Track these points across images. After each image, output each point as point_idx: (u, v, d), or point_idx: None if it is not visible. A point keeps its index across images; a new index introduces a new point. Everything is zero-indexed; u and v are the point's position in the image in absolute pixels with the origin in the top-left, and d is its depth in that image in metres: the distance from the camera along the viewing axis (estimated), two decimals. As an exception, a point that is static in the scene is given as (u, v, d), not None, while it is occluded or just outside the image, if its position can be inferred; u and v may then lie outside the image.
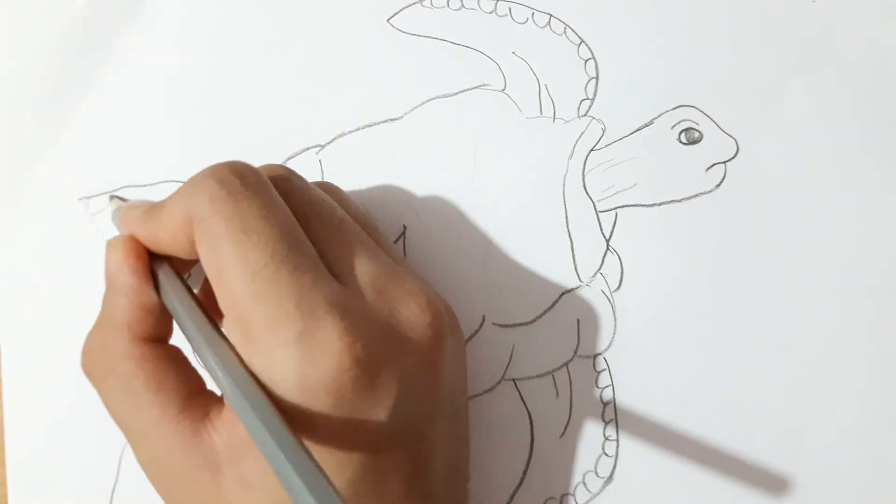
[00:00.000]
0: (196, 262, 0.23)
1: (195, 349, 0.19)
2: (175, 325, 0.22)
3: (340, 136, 0.28)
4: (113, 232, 0.24)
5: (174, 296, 0.20)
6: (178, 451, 0.19)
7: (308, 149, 0.28)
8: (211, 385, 0.21)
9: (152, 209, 0.21)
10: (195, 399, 0.20)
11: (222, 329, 0.20)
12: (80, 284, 0.28)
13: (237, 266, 0.19)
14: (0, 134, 0.29)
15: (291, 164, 0.28)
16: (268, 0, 0.29)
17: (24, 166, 0.29)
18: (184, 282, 0.21)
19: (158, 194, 0.28)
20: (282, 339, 0.18)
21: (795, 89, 0.28)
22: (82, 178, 0.29)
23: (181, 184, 0.28)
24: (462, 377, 0.24)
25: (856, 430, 0.26)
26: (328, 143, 0.28)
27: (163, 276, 0.21)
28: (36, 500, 0.27)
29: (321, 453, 0.19)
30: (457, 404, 0.23)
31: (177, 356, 0.21)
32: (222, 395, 0.18)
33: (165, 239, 0.21)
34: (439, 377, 0.22)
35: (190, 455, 0.19)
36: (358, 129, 0.28)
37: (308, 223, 0.21)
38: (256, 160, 0.28)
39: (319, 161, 0.28)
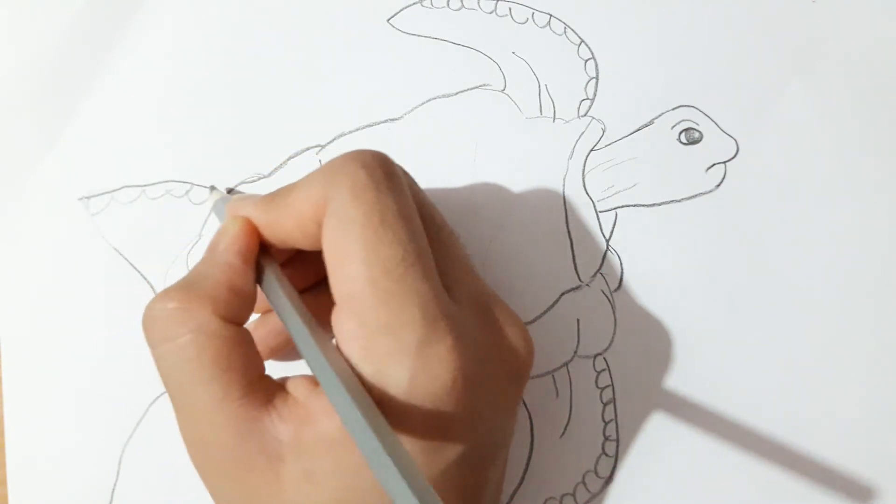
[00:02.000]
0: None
1: (297, 341, 0.19)
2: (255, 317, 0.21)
3: (340, 136, 0.28)
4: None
5: (279, 287, 0.20)
6: (236, 434, 0.19)
7: (308, 149, 0.28)
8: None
9: (277, 193, 0.21)
10: (258, 385, 0.19)
11: (333, 318, 0.19)
12: (80, 284, 0.28)
13: (368, 258, 0.18)
14: (0, 134, 0.29)
15: (292, 164, 0.28)
16: (268, 0, 0.29)
17: (24, 166, 0.29)
18: (287, 278, 0.21)
19: (158, 194, 0.28)
20: (402, 345, 0.18)
21: (795, 89, 0.28)
22: (82, 178, 0.29)
23: (180, 184, 0.29)
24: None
25: (857, 428, 0.26)
26: (328, 143, 0.28)
27: (268, 269, 0.21)
28: (36, 500, 0.27)
29: None
30: (513, 431, 0.23)
31: (246, 339, 0.20)
32: (323, 390, 0.18)
33: (288, 222, 0.20)
34: (518, 405, 0.22)
35: (248, 441, 0.19)
36: (358, 129, 0.28)
37: (425, 230, 0.21)
38: (256, 160, 0.28)
39: (319, 161, 0.28)
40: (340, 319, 0.19)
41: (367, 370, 0.18)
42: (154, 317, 0.20)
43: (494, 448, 0.21)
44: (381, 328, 0.18)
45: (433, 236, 0.21)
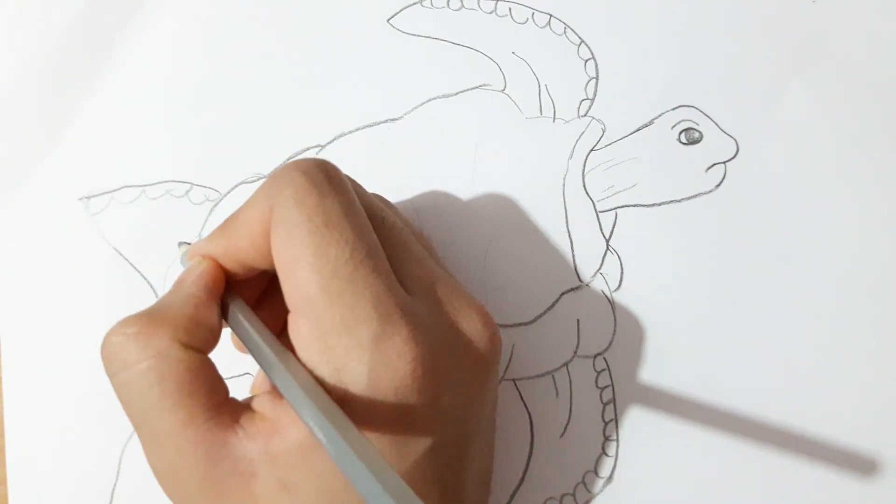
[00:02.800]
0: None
1: (268, 371, 0.19)
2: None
3: (340, 136, 0.28)
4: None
5: (244, 320, 0.20)
6: (204, 457, 0.19)
7: (308, 149, 0.28)
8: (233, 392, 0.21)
9: (227, 218, 0.21)
10: (223, 407, 0.20)
11: (290, 324, 0.20)
12: (80, 284, 0.28)
13: (316, 260, 0.18)
14: (0, 134, 0.29)
15: (291, 164, 0.28)
16: (268, 0, 0.29)
17: (24, 166, 0.29)
18: (253, 313, 0.22)
19: (158, 194, 0.28)
20: (357, 341, 0.18)
21: (795, 89, 0.28)
22: (82, 178, 0.29)
23: (180, 184, 0.29)
24: (497, 392, 0.24)
25: (857, 428, 0.26)
26: (328, 143, 0.28)
27: (233, 305, 0.21)
28: (36, 500, 0.27)
29: None
30: (493, 418, 0.23)
31: (209, 366, 0.20)
32: (301, 417, 0.18)
33: (241, 241, 0.20)
34: (488, 392, 0.22)
35: (217, 463, 0.19)
36: (358, 129, 0.28)
37: (375, 228, 0.21)
38: (256, 160, 0.28)
39: (319, 161, 0.28)
40: (296, 326, 0.19)
41: (326, 371, 0.19)
42: (113, 343, 0.19)
43: (467, 436, 0.21)
44: (335, 328, 0.18)
45: (384, 234, 0.21)
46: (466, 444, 0.21)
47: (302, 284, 0.19)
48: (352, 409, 0.18)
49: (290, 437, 0.19)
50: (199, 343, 0.20)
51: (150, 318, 0.20)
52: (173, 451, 0.19)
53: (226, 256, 0.21)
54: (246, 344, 0.20)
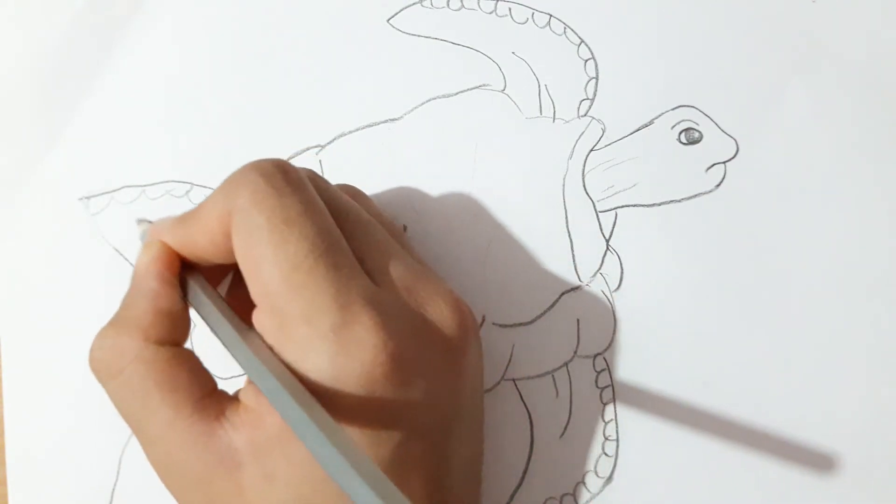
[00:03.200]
0: (222, 275, 0.23)
1: (229, 348, 0.19)
2: (195, 331, 0.22)
3: (340, 136, 0.28)
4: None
5: (205, 297, 0.21)
6: (192, 450, 0.19)
7: (308, 149, 0.28)
8: (222, 385, 0.21)
9: (187, 213, 0.21)
10: (208, 400, 0.20)
11: (254, 319, 0.20)
12: (80, 284, 0.28)
13: (276, 256, 0.19)
14: (0, 134, 0.29)
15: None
16: (268, 0, 0.29)
17: (24, 166, 0.29)
18: (214, 288, 0.22)
19: (158, 194, 0.28)
20: (317, 331, 0.19)
21: (795, 89, 0.28)
22: (82, 178, 0.29)
23: (180, 184, 0.29)
24: (481, 378, 0.24)
25: (856, 429, 0.26)
26: (328, 143, 0.28)
27: (193, 282, 0.21)
28: (36, 500, 0.27)
29: None
30: (476, 404, 0.23)
31: (189, 358, 0.21)
32: (262, 391, 0.18)
33: (201, 239, 0.21)
34: (463, 376, 0.22)
35: (205, 454, 0.19)
36: (358, 129, 0.28)
37: (339, 223, 0.21)
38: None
39: (319, 161, 0.28)
40: (259, 319, 0.20)
41: (290, 361, 0.19)
42: (96, 358, 0.20)
43: (447, 422, 0.21)
44: (296, 320, 0.19)
45: (349, 228, 0.21)
46: (447, 430, 0.21)
47: (264, 281, 0.19)
48: (318, 398, 0.18)
49: (268, 426, 0.19)
50: (171, 334, 0.21)
51: (119, 325, 0.20)
52: (165, 449, 0.20)
53: (184, 248, 0.21)
54: (205, 319, 0.20)
